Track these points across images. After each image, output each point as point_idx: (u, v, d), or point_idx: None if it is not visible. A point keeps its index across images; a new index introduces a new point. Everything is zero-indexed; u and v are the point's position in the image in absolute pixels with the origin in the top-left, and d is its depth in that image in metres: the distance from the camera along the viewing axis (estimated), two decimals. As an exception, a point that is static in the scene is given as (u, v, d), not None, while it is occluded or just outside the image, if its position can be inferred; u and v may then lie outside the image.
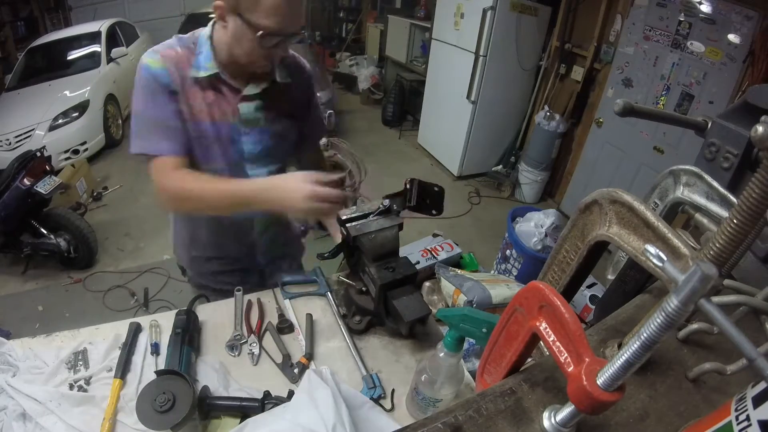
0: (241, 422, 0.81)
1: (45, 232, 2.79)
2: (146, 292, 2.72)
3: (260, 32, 0.90)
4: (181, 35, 1.04)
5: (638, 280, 0.74)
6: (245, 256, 1.28)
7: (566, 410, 0.43)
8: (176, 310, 0.99)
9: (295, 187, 0.90)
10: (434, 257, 2.67)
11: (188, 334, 0.94)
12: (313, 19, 7.77)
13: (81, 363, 0.93)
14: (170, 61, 0.98)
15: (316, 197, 0.89)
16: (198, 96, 1.00)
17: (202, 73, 0.99)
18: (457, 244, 2.78)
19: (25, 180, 2.62)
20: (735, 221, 0.43)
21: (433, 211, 1.07)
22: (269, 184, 0.97)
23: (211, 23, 1.02)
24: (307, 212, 0.91)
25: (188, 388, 0.78)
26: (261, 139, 1.09)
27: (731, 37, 2.36)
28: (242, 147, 1.08)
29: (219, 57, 1.00)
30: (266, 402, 0.84)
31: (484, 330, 0.72)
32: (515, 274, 2.66)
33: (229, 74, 1.02)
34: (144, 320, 1.02)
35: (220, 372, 0.91)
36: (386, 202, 1.02)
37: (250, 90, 1.03)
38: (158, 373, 0.82)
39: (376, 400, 0.89)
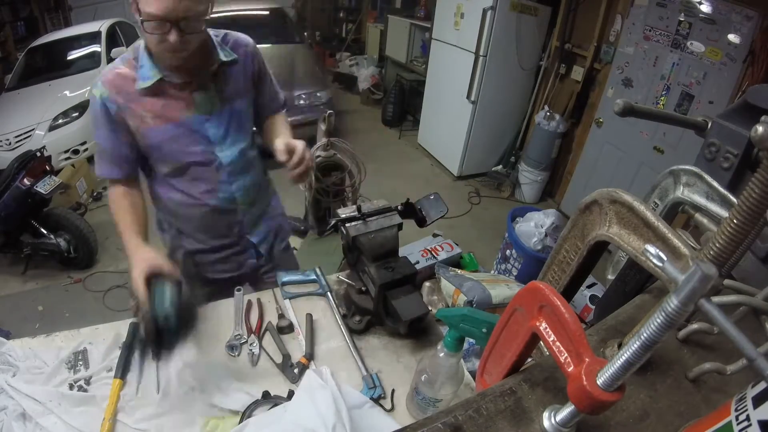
0: (240, 422, 0.81)
1: (45, 232, 2.79)
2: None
3: (141, 19, 0.93)
4: (124, 54, 1.09)
5: (638, 280, 0.74)
6: (236, 236, 1.30)
7: (566, 410, 0.43)
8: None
9: (135, 264, 0.96)
10: (434, 257, 2.68)
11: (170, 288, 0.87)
12: (313, 19, 7.77)
13: (81, 363, 0.93)
14: (112, 86, 1.04)
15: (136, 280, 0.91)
16: (149, 105, 1.05)
17: (147, 83, 1.03)
18: (457, 244, 2.78)
19: (25, 180, 2.61)
20: (735, 221, 0.43)
21: (441, 212, 1.10)
22: (131, 252, 1.03)
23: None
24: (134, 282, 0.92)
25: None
26: (221, 122, 1.13)
27: (731, 37, 2.36)
28: (207, 133, 1.12)
29: (158, 61, 1.03)
30: (266, 402, 0.84)
31: (484, 330, 0.72)
32: (515, 274, 2.66)
33: (175, 73, 1.05)
34: (144, 320, 1.02)
35: (220, 373, 0.91)
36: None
37: (199, 79, 1.07)
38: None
39: (376, 400, 0.89)
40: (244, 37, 1.19)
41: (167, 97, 1.06)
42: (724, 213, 0.62)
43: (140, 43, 1.05)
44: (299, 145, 1.06)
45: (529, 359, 0.54)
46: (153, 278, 0.88)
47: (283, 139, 1.08)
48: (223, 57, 1.08)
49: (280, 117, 1.30)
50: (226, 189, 1.19)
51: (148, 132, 1.07)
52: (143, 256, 0.95)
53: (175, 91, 1.06)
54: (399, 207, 1.08)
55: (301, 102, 4.14)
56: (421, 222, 1.09)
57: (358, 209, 1.03)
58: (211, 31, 1.11)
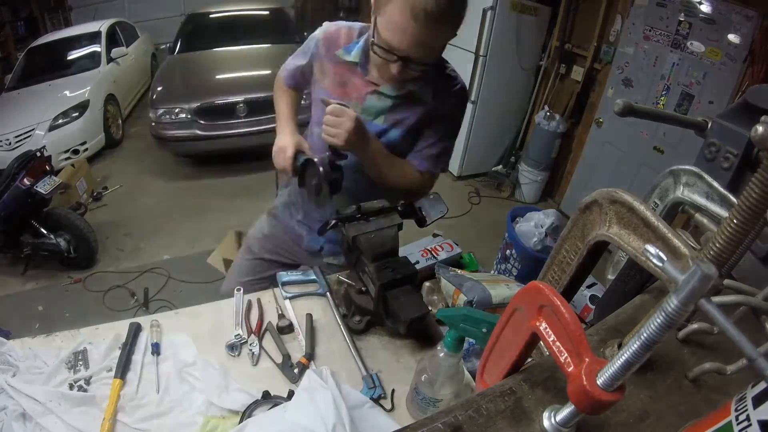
0: (240, 422, 0.81)
1: (45, 232, 2.79)
2: (146, 292, 2.71)
3: (372, 40, 0.96)
4: (356, 22, 1.17)
5: (638, 280, 0.74)
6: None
7: (566, 410, 0.43)
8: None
9: (284, 137, 1.15)
10: (434, 257, 2.67)
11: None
12: (313, 19, 7.77)
13: (81, 363, 0.93)
14: (326, 35, 1.14)
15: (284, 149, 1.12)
16: (332, 71, 1.13)
17: (344, 57, 1.10)
18: (457, 244, 2.78)
19: (25, 180, 2.61)
20: (735, 221, 0.43)
21: (441, 212, 1.11)
22: (283, 127, 1.21)
23: None
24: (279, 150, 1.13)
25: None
26: (373, 132, 1.11)
27: (731, 37, 2.36)
28: None
29: (367, 53, 1.06)
30: (266, 402, 0.84)
31: (484, 330, 0.72)
32: (515, 274, 2.66)
33: (372, 69, 1.08)
34: (144, 320, 1.02)
35: (220, 372, 0.91)
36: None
37: (385, 88, 1.08)
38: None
39: (376, 400, 0.89)
40: (461, 89, 1.14)
41: (352, 78, 1.11)
42: (724, 213, 0.62)
43: (370, 31, 1.05)
44: (349, 111, 0.99)
45: (529, 359, 0.54)
46: (298, 153, 1.11)
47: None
48: (417, 90, 1.07)
49: (409, 164, 1.16)
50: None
51: (316, 88, 1.17)
52: (293, 136, 1.15)
53: (359, 79, 1.10)
54: (399, 207, 1.08)
55: (302, 102, 4.14)
56: (421, 222, 1.09)
57: (358, 209, 1.03)
58: (443, 73, 1.12)
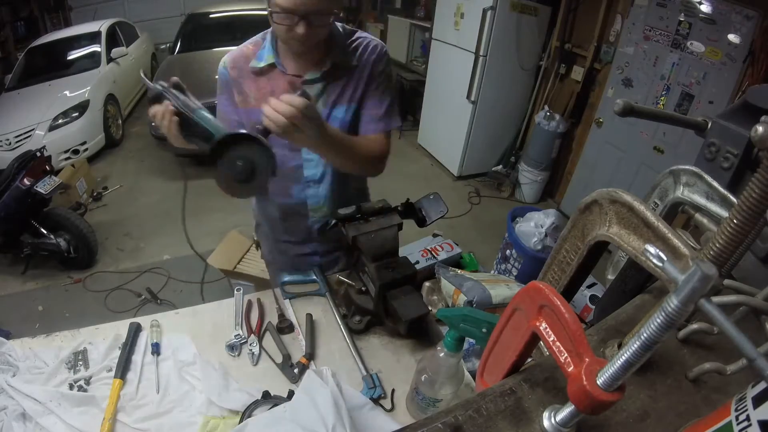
0: (240, 422, 0.81)
1: (45, 232, 2.79)
2: (150, 290, 2.72)
3: (269, 9, 0.93)
4: (258, 35, 1.12)
5: (638, 280, 0.74)
6: (303, 236, 1.30)
7: (566, 410, 0.43)
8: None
9: None
10: (434, 257, 2.68)
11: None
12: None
13: (81, 363, 0.93)
14: (231, 58, 1.11)
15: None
16: (254, 86, 1.09)
17: (259, 64, 1.07)
18: (457, 244, 2.78)
19: (25, 180, 2.62)
20: (735, 221, 0.43)
21: (441, 212, 1.10)
22: None
23: None
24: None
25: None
26: None
27: (731, 37, 2.36)
28: None
29: (280, 48, 1.06)
30: (266, 402, 0.84)
31: (484, 330, 0.72)
32: (515, 274, 2.66)
33: (289, 62, 1.06)
34: (144, 320, 1.02)
35: (220, 372, 0.91)
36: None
37: (310, 75, 1.06)
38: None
39: (376, 400, 0.89)
40: (377, 45, 1.12)
41: (274, 83, 1.08)
42: (724, 213, 0.62)
43: (271, 29, 1.06)
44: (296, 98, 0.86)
45: (529, 359, 0.54)
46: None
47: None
48: (336, 59, 1.06)
49: (369, 138, 1.13)
50: (299, 193, 1.18)
51: (246, 111, 1.11)
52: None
53: (282, 81, 1.07)
54: (399, 207, 1.08)
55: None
56: (421, 222, 1.09)
57: (358, 209, 1.03)
58: (344, 32, 1.09)
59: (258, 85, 1.09)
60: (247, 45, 1.11)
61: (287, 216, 1.25)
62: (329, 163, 1.13)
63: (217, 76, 1.14)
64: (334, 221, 1.02)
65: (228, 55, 1.12)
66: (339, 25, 1.10)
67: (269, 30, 1.07)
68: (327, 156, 1.07)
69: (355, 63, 1.08)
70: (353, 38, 1.10)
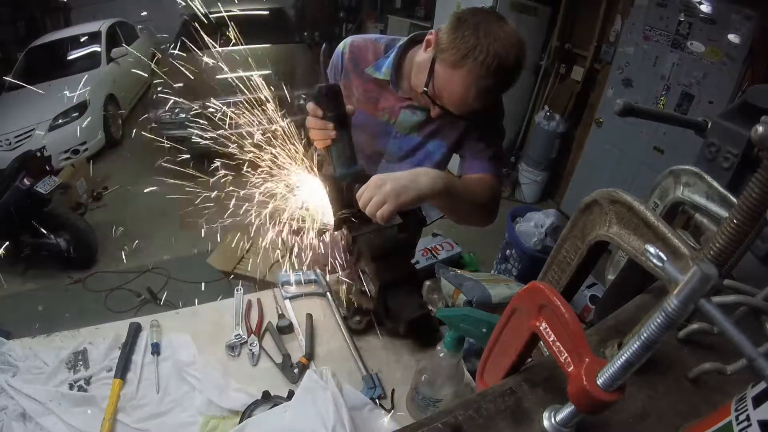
0: (240, 422, 0.81)
1: (45, 232, 2.79)
2: (150, 290, 2.72)
3: (426, 89, 0.93)
4: (379, 35, 1.14)
5: (638, 280, 0.74)
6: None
7: (566, 410, 0.43)
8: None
9: None
10: (434, 256, 2.68)
11: None
12: (313, 19, 7.77)
13: (81, 363, 0.93)
14: (353, 49, 1.11)
15: None
16: (364, 87, 1.10)
17: (375, 74, 1.07)
18: (457, 244, 2.78)
19: (25, 180, 2.62)
20: (735, 221, 0.43)
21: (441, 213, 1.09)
22: None
23: (411, 40, 1.06)
24: None
25: None
26: (406, 147, 1.12)
27: (731, 37, 2.35)
28: (386, 145, 1.13)
29: (401, 68, 1.05)
30: (266, 402, 0.84)
31: (484, 330, 0.72)
32: (515, 274, 2.66)
33: (403, 83, 1.06)
34: (144, 320, 1.02)
35: (220, 372, 0.91)
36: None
37: (421, 102, 1.04)
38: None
39: (376, 400, 0.89)
40: (500, 111, 1.12)
41: (383, 93, 1.09)
42: (724, 213, 0.62)
43: (401, 42, 1.06)
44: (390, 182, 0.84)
45: (529, 359, 0.54)
46: None
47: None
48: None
49: (475, 178, 1.09)
50: None
51: (355, 106, 1.05)
52: None
53: (392, 96, 1.08)
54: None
55: (301, 102, 4.15)
56: (421, 222, 1.09)
57: (358, 209, 1.02)
58: None
59: (365, 87, 1.10)
60: (370, 43, 1.10)
61: None
62: (442, 210, 1.05)
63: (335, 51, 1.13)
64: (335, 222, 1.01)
65: (352, 41, 1.12)
66: None
67: (399, 44, 1.07)
68: (438, 202, 0.98)
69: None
70: None
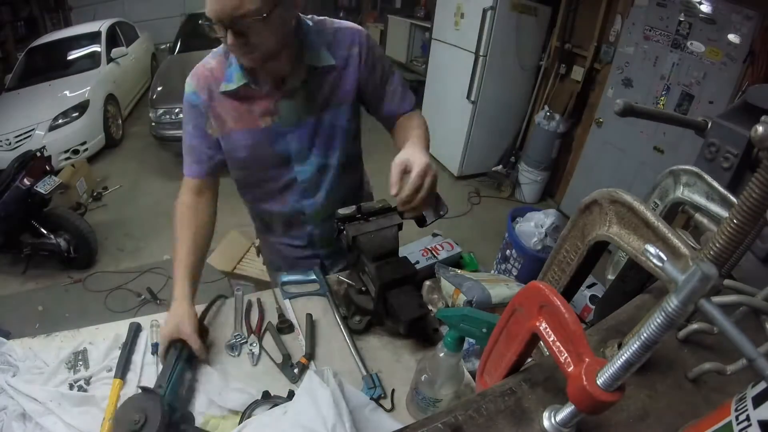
0: (240, 422, 0.81)
1: (45, 232, 2.79)
2: (150, 290, 2.72)
3: (201, 20, 0.88)
4: (217, 48, 1.02)
5: (638, 280, 0.74)
6: (307, 246, 1.28)
7: (566, 410, 0.43)
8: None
9: (169, 316, 0.92)
10: (434, 257, 2.68)
11: (188, 351, 0.90)
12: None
13: (81, 363, 0.93)
14: (199, 81, 1.00)
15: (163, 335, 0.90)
16: (231, 106, 1.00)
17: (230, 87, 0.98)
18: (457, 243, 2.78)
19: (25, 180, 2.62)
20: (735, 221, 0.43)
21: (441, 212, 1.08)
22: (174, 297, 0.96)
23: None
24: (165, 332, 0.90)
25: (159, 411, 0.74)
26: (305, 135, 1.05)
27: (731, 37, 2.35)
28: (287, 147, 1.06)
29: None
30: (266, 402, 0.84)
31: (484, 330, 0.72)
32: (515, 274, 2.66)
33: (261, 78, 0.98)
34: (144, 320, 1.02)
35: (220, 372, 0.91)
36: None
37: (289, 84, 0.99)
38: (141, 389, 0.80)
39: (377, 400, 0.89)
40: (353, 33, 1.03)
41: (251, 102, 1.00)
42: (724, 213, 0.62)
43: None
44: (417, 166, 0.86)
45: (529, 359, 0.54)
46: (172, 342, 0.90)
47: (402, 155, 0.89)
48: (314, 62, 0.98)
49: (411, 119, 1.10)
50: (294, 203, 1.16)
51: (227, 136, 1.02)
52: (177, 312, 0.92)
53: (260, 97, 0.99)
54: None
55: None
56: (421, 222, 1.09)
57: (358, 209, 1.02)
58: (313, 28, 0.99)
59: (234, 105, 1.00)
60: (209, 62, 1.00)
61: (286, 223, 1.23)
62: None
63: (184, 100, 1.02)
64: (341, 227, 1.01)
65: (191, 77, 1.00)
66: (308, 18, 1.00)
67: (224, 49, 0.99)
68: None
69: (335, 60, 1.00)
70: (326, 31, 1.01)
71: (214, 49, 1.03)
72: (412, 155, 0.88)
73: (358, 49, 1.03)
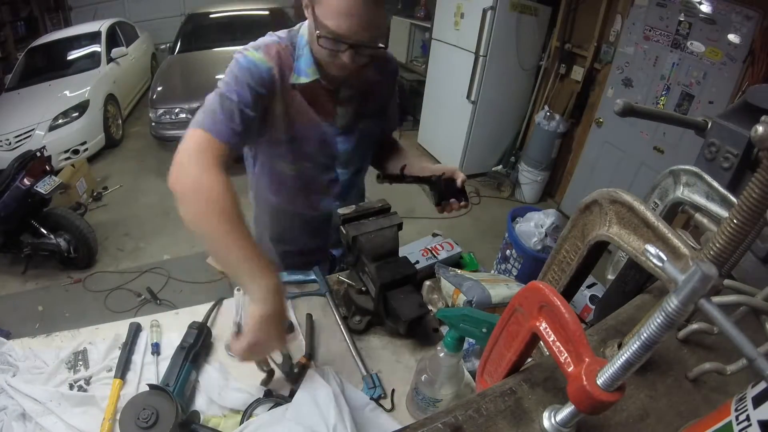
0: (242, 421, 0.81)
1: (45, 232, 2.79)
2: (150, 290, 2.72)
3: (318, 32, 0.86)
4: (277, 34, 0.98)
5: (638, 280, 0.74)
6: (318, 249, 1.31)
7: (566, 410, 0.43)
8: (190, 322, 0.96)
9: (275, 292, 0.77)
10: (434, 257, 2.67)
11: (195, 351, 0.91)
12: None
13: (81, 363, 0.93)
14: (275, 59, 0.94)
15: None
16: (296, 98, 1.00)
17: (303, 80, 0.97)
18: (457, 243, 2.78)
19: (25, 180, 2.62)
20: (735, 221, 0.43)
21: (462, 201, 1.12)
22: (256, 276, 0.77)
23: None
24: (259, 305, 0.76)
25: (173, 408, 0.75)
26: (353, 140, 1.11)
27: (731, 37, 2.36)
28: (336, 148, 1.10)
29: (316, 60, 0.96)
30: (267, 400, 0.84)
31: (484, 330, 0.72)
32: (515, 274, 2.66)
33: (327, 77, 0.99)
34: (144, 320, 1.02)
35: (221, 372, 0.91)
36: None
37: (345, 92, 1.04)
38: (150, 386, 0.80)
39: (377, 400, 0.89)
40: (391, 55, 1.15)
41: (315, 97, 1.01)
42: (724, 213, 0.62)
43: (300, 33, 0.97)
44: (456, 171, 1.10)
45: (529, 359, 0.54)
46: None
47: (440, 165, 1.10)
48: (372, 76, 1.06)
49: (394, 139, 1.30)
50: (328, 204, 1.19)
51: (287, 124, 1.00)
52: (278, 298, 0.77)
53: (323, 96, 1.02)
54: (432, 177, 1.08)
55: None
56: (441, 198, 1.10)
57: (358, 209, 1.03)
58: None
59: (301, 98, 1.00)
60: (278, 44, 0.95)
61: (308, 226, 1.25)
62: None
63: (244, 65, 0.92)
64: (340, 225, 1.02)
65: (264, 52, 0.93)
66: None
67: (295, 35, 0.98)
68: None
69: (378, 77, 1.09)
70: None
71: (274, 35, 0.97)
72: (442, 166, 1.11)
73: (392, 69, 1.15)
